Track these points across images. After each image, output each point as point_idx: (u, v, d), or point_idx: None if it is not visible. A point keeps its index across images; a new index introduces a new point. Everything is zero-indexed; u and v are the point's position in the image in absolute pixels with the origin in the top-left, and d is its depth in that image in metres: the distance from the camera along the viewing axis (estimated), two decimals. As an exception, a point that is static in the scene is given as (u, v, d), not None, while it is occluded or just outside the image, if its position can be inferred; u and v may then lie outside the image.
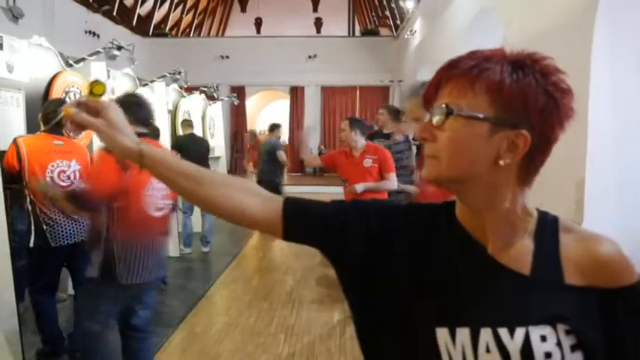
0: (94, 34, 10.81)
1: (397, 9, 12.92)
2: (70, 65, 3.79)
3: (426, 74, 9.91)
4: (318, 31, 18.57)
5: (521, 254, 0.71)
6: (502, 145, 0.67)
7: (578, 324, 0.66)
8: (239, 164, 13.76)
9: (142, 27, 14.38)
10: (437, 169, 0.71)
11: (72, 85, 3.73)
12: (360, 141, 3.58)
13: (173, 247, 5.42)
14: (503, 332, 0.67)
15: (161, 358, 3.13)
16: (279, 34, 15.80)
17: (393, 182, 3.53)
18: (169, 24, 16.25)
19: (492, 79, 0.67)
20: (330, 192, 9.66)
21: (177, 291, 4.46)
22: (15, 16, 3.39)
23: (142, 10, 14.17)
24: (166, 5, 15.44)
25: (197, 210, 5.85)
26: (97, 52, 3.98)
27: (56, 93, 3.51)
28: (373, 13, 17.43)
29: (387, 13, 14.50)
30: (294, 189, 12.24)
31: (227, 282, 4.82)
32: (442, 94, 0.71)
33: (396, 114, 4.24)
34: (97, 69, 4.12)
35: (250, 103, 16.05)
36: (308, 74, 14.68)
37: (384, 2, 14.20)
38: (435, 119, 0.70)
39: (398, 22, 13.40)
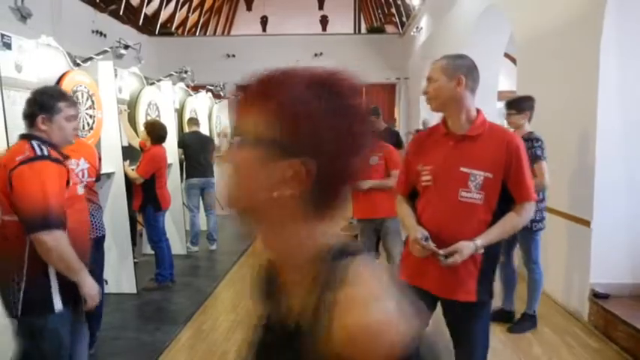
0: (100, 33, 10.84)
1: (403, 6, 12.88)
2: (78, 64, 3.81)
3: (433, 71, 9.88)
4: (324, 29, 18.53)
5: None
6: (286, 174, 0.59)
7: None
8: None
9: (148, 26, 14.43)
10: (226, 197, 0.65)
11: (79, 85, 3.75)
12: None
13: (180, 245, 5.45)
14: None
15: (169, 356, 3.15)
16: (285, 33, 15.80)
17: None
18: (175, 23, 16.29)
19: (280, 102, 0.60)
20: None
21: (185, 289, 4.48)
22: (23, 15, 3.40)
23: (149, 9, 14.22)
24: (172, 4, 15.48)
25: (202, 208, 5.88)
26: (105, 52, 4.00)
27: (64, 92, 3.53)
28: (379, 11, 17.39)
29: (393, 10, 14.45)
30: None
31: (234, 280, 4.83)
32: (238, 116, 0.65)
33: None
34: (105, 68, 4.14)
35: (256, 102, 16.06)
36: (314, 72, 14.67)
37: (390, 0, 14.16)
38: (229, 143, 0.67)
39: (404, 19, 13.36)
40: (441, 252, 1.69)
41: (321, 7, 18.63)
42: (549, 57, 4.23)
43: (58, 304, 1.88)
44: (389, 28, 15.81)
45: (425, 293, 1.79)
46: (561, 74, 3.99)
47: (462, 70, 1.73)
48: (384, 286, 0.59)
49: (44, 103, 1.94)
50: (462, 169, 1.70)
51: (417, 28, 11.23)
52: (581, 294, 3.61)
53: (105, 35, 10.85)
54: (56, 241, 1.78)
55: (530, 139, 3.09)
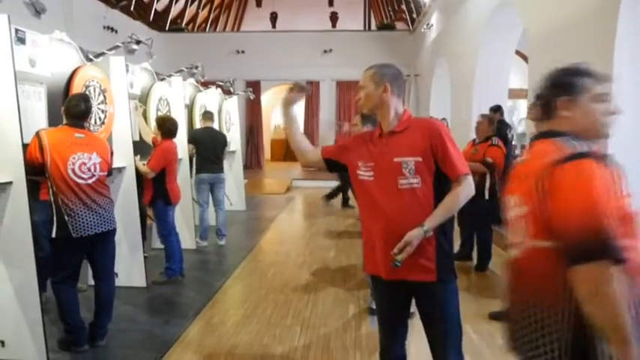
0: (112, 29, 10.94)
1: (414, 3, 12.80)
2: (90, 60, 3.84)
3: (443, 68, 9.82)
4: (334, 25, 18.48)
5: None
6: None
7: None
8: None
9: (158, 22, 14.50)
10: None
11: (92, 80, 3.78)
12: None
13: (190, 240, 5.48)
14: None
15: (179, 348, 3.17)
16: (295, 29, 15.78)
17: None
18: (185, 19, 16.35)
19: None
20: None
21: (194, 283, 4.52)
22: (37, 11, 3.44)
23: (159, 5, 14.28)
24: (182, 1, 15.53)
25: (211, 204, 5.91)
26: (117, 47, 4.02)
27: (77, 87, 3.56)
28: (389, 7, 17.31)
29: (404, 6, 14.37)
30: (307, 183, 12.27)
31: (243, 275, 4.85)
32: None
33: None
34: (116, 63, 4.17)
35: (265, 98, 16.09)
36: (323, 69, 14.67)
37: (401, -4, 14.09)
38: None
39: (414, 15, 13.29)
40: (394, 250, 1.79)
41: (331, 4, 18.59)
42: (562, 53, 4.19)
43: None
44: (399, 25, 15.73)
45: (393, 283, 1.91)
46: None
47: (387, 78, 1.94)
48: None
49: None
50: (395, 159, 1.87)
51: (428, 24, 11.17)
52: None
53: (116, 31, 10.93)
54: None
55: None
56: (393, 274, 1.88)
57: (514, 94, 9.12)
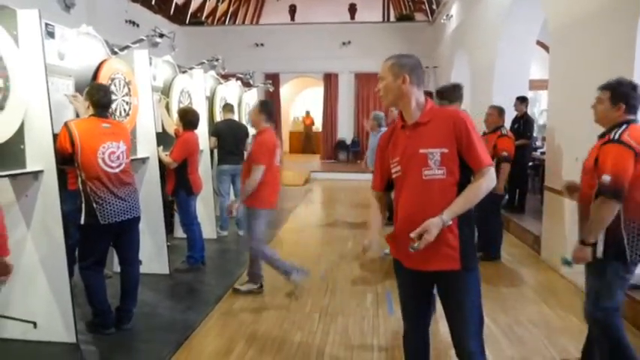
0: (133, 22, 11.11)
1: (433, -7, 12.67)
2: (115, 53, 3.94)
3: (463, 60, 9.73)
4: (352, 17, 18.40)
5: None
6: None
7: None
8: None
9: (179, 16, 14.65)
10: None
11: (117, 72, 3.88)
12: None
13: (211, 230, 5.60)
14: None
15: (201, 332, 3.28)
16: (313, 21, 15.77)
17: None
18: (205, 12, 16.47)
19: None
20: (363, 179, 9.67)
21: (215, 271, 4.63)
22: (67, 5, 3.56)
23: (179, -1, 14.42)
24: (202, -6, 15.65)
25: (232, 194, 6.01)
26: (141, 40, 4.12)
27: (102, 79, 3.66)
28: (409, -2, 17.15)
29: (423, -3, 14.23)
30: (325, 175, 12.33)
31: (262, 264, 4.93)
32: None
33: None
34: (140, 56, 4.27)
35: (284, 90, 16.15)
36: (342, 61, 14.65)
37: (420, -13, 13.95)
38: None
39: (434, 6, 13.16)
40: (412, 235, 1.81)
41: (349, -5, 18.50)
42: (584, 44, 4.15)
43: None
44: (418, 16, 15.59)
45: (418, 272, 1.95)
46: (596, 61, 3.90)
47: (406, 69, 1.94)
48: None
49: None
50: (420, 150, 1.89)
51: (447, 15, 11.06)
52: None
53: (137, 24, 11.10)
54: None
55: None
56: (420, 264, 1.91)
57: (535, 84, 8.98)
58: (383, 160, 2.07)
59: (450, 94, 3.54)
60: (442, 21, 11.80)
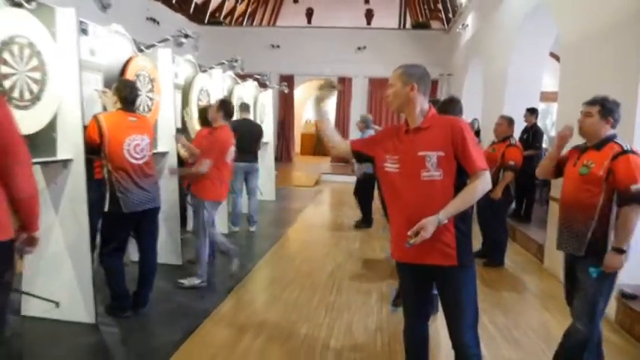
0: (154, 20, 11.37)
1: (450, 2, 12.80)
2: (141, 50, 4.13)
3: (476, 69, 9.84)
4: (369, 22, 18.56)
5: None
6: None
7: None
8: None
9: (198, 15, 14.91)
10: None
11: (142, 69, 4.07)
12: None
13: (223, 225, 5.76)
14: None
15: (213, 320, 3.44)
16: (330, 25, 15.95)
17: None
18: (224, 13, 16.72)
19: None
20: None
21: (226, 264, 4.77)
22: (104, 5, 3.75)
23: (199, -2, 14.67)
24: (222, -6, 15.89)
25: (244, 191, 6.18)
26: (166, 40, 4.31)
27: (129, 75, 3.85)
28: (425, 6, 17.27)
29: (440, 5, 14.36)
30: (335, 177, 12.46)
31: (272, 260, 5.10)
32: None
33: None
34: (164, 55, 4.45)
35: (298, 92, 16.33)
36: (356, 65, 14.80)
37: (437, -5, 14.07)
38: None
39: (450, 15, 13.28)
40: (409, 232, 1.93)
41: (366, 1, 18.67)
42: (594, 58, 4.25)
43: None
44: (434, 24, 15.70)
45: (416, 267, 2.09)
46: (604, 76, 4.01)
47: (414, 78, 2.09)
48: None
49: None
50: (419, 153, 2.03)
51: (463, 25, 11.17)
52: (610, 294, 3.67)
53: (158, 22, 11.36)
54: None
55: None
56: (417, 258, 2.06)
57: (547, 97, 9.03)
58: (377, 142, 2.22)
59: (452, 108, 3.72)
60: (458, 30, 11.92)
